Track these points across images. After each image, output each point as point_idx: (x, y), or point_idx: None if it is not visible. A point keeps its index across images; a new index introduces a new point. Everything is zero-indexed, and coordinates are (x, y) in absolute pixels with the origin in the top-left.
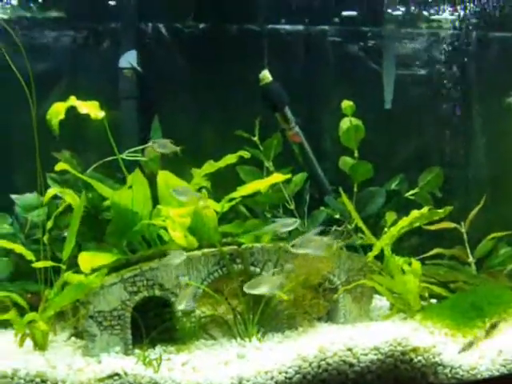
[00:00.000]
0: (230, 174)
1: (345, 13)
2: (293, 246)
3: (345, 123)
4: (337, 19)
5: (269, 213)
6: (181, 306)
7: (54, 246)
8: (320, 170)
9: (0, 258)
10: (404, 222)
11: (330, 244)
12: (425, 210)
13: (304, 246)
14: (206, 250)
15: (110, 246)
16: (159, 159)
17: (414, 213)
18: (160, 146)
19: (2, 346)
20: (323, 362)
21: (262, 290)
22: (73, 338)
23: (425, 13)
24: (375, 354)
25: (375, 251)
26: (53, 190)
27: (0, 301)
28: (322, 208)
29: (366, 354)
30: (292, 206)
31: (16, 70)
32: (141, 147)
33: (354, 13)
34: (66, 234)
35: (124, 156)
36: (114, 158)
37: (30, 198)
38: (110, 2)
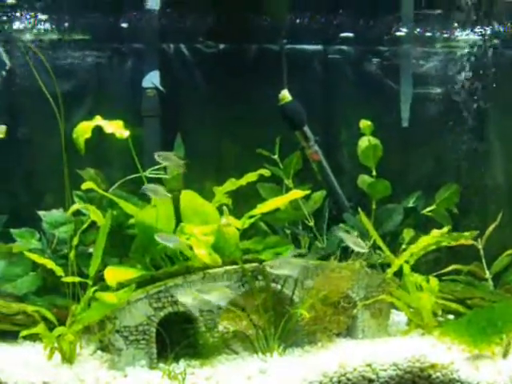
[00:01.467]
0: (247, 191)
1: (361, 32)
2: (271, 267)
3: (363, 142)
4: (354, 39)
5: (288, 229)
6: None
7: (80, 262)
8: (338, 188)
9: (28, 273)
10: (425, 241)
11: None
12: (445, 229)
13: (281, 268)
14: (228, 268)
15: (134, 262)
16: (181, 177)
17: (435, 232)
18: (165, 158)
19: (32, 359)
20: (343, 378)
21: (211, 298)
22: (99, 352)
23: (442, 32)
24: (394, 370)
25: (394, 268)
26: (76, 206)
27: (29, 315)
28: (341, 225)
29: (385, 370)
30: (311, 223)
31: (45, 90)
32: (163, 165)
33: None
34: (90, 249)
35: (147, 173)
36: (138, 175)
37: (57, 214)
38: (133, 24)
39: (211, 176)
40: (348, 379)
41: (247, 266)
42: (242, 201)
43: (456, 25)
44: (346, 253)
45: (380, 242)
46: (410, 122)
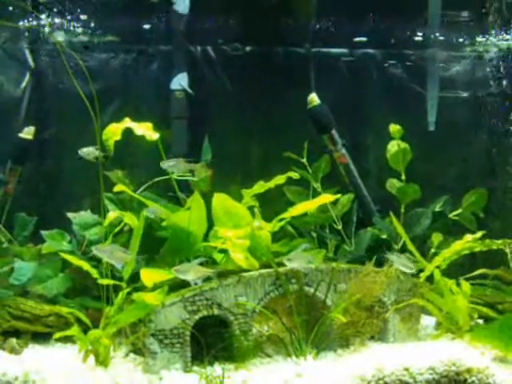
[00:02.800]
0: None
1: (387, 35)
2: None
3: (393, 146)
4: (380, 42)
5: (314, 232)
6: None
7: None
8: (365, 191)
9: (57, 274)
10: (458, 246)
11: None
12: (478, 234)
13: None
14: (263, 271)
15: (162, 265)
16: (210, 179)
17: (467, 237)
18: (173, 166)
19: (65, 361)
20: (381, 382)
21: (189, 277)
22: (131, 354)
23: (468, 35)
24: (431, 374)
25: (427, 273)
26: (114, 213)
27: (60, 316)
28: (369, 228)
29: (421, 374)
30: (339, 227)
31: (81, 93)
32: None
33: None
34: None
35: (175, 175)
36: (166, 177)
37: (87, 216)
38: (161, 26)
39: (237, 178)
40: (385, 383)
41: (281, 269)
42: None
43: (484, 28)
44: (373, 256)
45: (411, 247)
46: (437, 126)
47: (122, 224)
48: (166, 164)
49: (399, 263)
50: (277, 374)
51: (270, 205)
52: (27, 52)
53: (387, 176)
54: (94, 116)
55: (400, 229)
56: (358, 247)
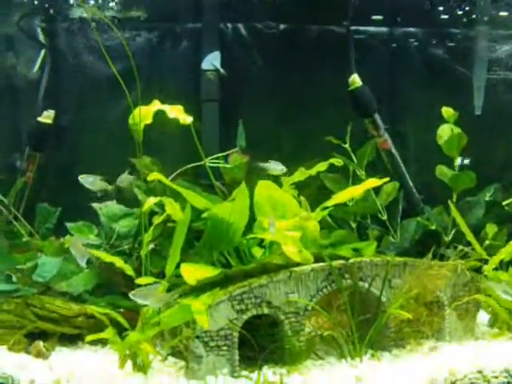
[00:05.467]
0: None
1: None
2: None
3: (445, 131)
4: (423, 20)
5: (354, 223)
6: None
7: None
8: (409, 179)
9: (83, 270)
10: None
11: None
12: None
13: None
14: (315, 265)
15: (197, 258)
16: (244, 166)
17: None
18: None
19: (100, 367)
20: None
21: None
22: (170, 358)
23: None
24: (506, 377)
25: (492, 265)
26: (153, 200)
27: (89, 316)
28: (416, 218)
29: (496, 377)
30: (384, 217)
31: (115, 72)
32: (225, 153)
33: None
34: (151, 245)
35: (207, 162)
36: (199, 164)
37: (114, 207)
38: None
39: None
40: None
41: (334, 262)
42: None
43: None
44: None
45: (471, 238)
46: (483, 110)
47: (165, 215)
48: (84, 180)
49: (500, 289)
50: (335, 378)
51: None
52: (40, 30)
53: (429, 163)
54: (129, 97)
55: (460, 219)
56: (403, 239)
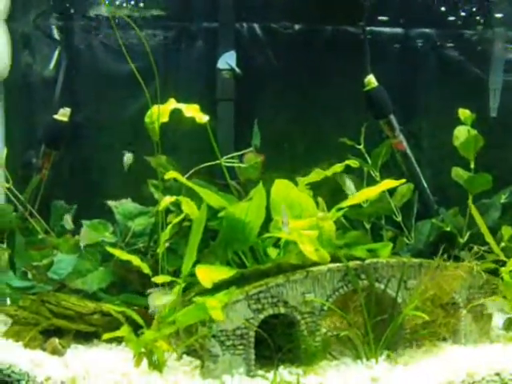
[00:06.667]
0: None
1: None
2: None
3: (462, 133)
4: (439, 21)
5: (368, 224)
6: None
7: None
8: (424, 181)
9: (97, 268)
10: None
11: None
12: None
13: None
14: (331, 265)
15: (212, 258)
16: (260, 166)
17: None
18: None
19: (115, 365)
20: None
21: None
22: (185, 356)
23: None
24: None
25: (509, 267)
26: (169, 199)
27: (104, 314)
28: (430, 220)
29: None
30: (399, 218)
31: (135, 70)
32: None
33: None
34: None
35: (223, 161)
36: (214, 163)
37: (129, 205)
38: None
39: (285, 165)
40: None
41: (351, 263)
42: None
43: None
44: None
45: (490, 239)
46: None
47: (183, 214)
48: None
49: None
50: (350, 379)
51: None
52: (56, 28)
53: (443, 165)
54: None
55: (479, 220)
56: (417, 240)
